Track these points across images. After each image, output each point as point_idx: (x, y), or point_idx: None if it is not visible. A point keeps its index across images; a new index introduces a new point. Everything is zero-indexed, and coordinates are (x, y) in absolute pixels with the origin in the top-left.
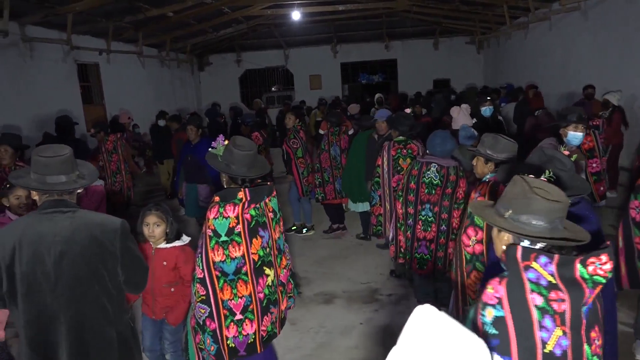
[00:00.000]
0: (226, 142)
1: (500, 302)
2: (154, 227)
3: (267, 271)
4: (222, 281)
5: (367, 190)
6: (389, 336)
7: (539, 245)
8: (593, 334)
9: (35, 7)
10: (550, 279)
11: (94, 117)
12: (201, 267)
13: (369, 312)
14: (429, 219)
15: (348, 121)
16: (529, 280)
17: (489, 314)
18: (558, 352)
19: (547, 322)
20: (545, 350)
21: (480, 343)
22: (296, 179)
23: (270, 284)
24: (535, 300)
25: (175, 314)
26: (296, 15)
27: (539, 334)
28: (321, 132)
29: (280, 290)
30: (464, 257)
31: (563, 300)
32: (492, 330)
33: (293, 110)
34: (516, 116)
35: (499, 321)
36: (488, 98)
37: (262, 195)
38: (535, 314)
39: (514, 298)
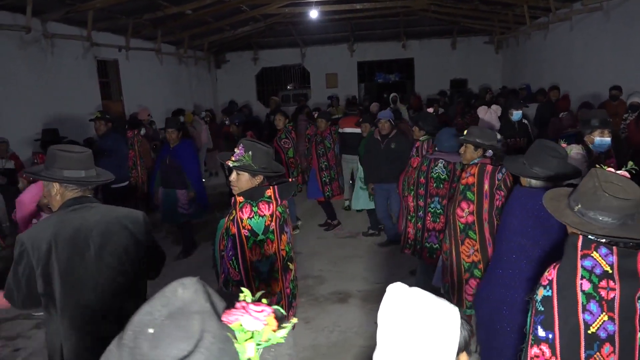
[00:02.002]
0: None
1: (550, 284)
2: None
3: (291, 266)
4: (257, 281)
5: (369, 191)
6: None
7: (604, 239)
8: None
9: (56, 4)
10: (607, 268)
11: (113, 113)
12: (237, 269)
13: None
14: (438, 211)
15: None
16: (583, 267)
17: (540, 293)
18: (603, 334)
19: (592, 306)
20: (589, 332)
21: (452, 309)
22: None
23: (292, 278)
24: (584, 285)
25: None
26: (314, 13)
27: (582, 316)
28: (339, 130)
29: (297, 284)
30: (458, 227)
31: (613, 289)
32: (540, 307)
33: (282, 112)
34: (537, 118)
35: (546, 300)
36: (521, 101)
37: (290, 191)
38: (580, 297)
39: (562, 282)
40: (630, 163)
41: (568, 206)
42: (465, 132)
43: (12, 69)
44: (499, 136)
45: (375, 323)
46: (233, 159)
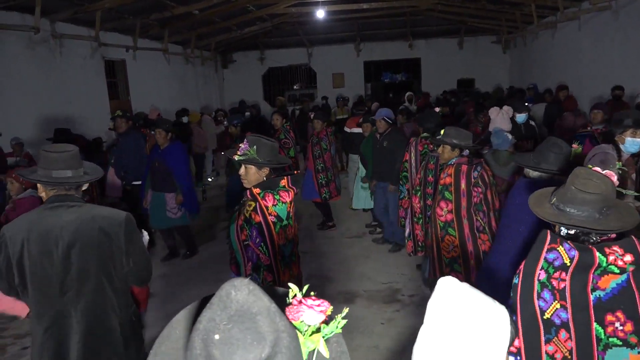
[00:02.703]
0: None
1: (518, 274)
2: None
3: (298, 252)
4: (282, 265)
5: (370, 189)
6: (410, 337)
7: (573, 231)
8: (610, 317)
9: (65, 4)
10: (567, 261)
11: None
12: (267, 255)
13: (390, 312)
14: None
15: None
16: (545, 259)
17: (512, 282)
18: (557, 321)
19: (546, 294)
20: (544, 317)
21: (501, 308)
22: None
23: (299, 264)
24: (541, 275)
25: None
26: (320, 13)
27: (537, 302)
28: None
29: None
30: (438, 225)
31: (563, 280)
32: (511, 293)
33: (279, 112)
34: (545, 118)
35: (514, 287)
36: (526, 104)
37: (298, 182)
38: (536, 286)
39: (526, 271)
40: (619, 164)
41: (549, 200)
42: (442, 132)
43: (21, 69)
44: (510, 137)
45: (382, 323)
46: (239, 153)
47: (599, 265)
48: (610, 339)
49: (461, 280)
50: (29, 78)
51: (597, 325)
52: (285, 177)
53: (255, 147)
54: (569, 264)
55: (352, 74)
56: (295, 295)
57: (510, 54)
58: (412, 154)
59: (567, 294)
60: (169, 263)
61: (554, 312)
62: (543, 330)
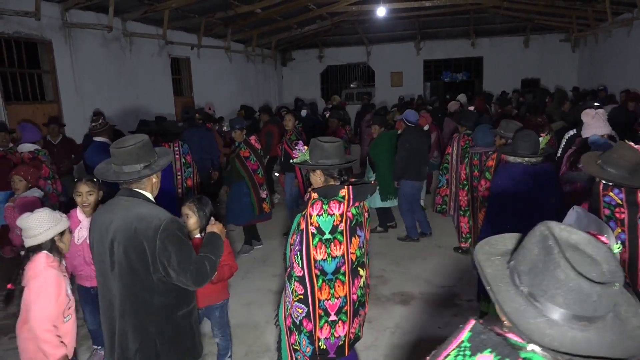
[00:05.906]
0: (305, 147)
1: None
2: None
3: (361, 272)
4: (320, 280)
5: (394, 188)
6: None
7: (611, 184)
8: None
9: (135, 4)
10: (619, 201)
11: (184, 108)
12: (300, 265)
13: (447, 317)
14: None
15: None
16: (604, 201)
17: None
18: (618, 241)
19: (611, 224)
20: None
21: (609, 229)
22: (300, 182)
23: (362, 285)
24: (605, 212)
25: None
26: (381, 11)
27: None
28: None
29: (367, 292)
30: (478, 199)
31: (623, 213)
32: None
33: (292, 113)
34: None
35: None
36: (596, 104)
37: (366, 194)
38: (604, 219)
39: (592, 210)
40: None
41: (596, 162)
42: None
43: (96, 65)
44: (612, 143)
45: (439, 327)
46: (294, 156)
47: None
48: None
49: None
50: (103, 73)
51: None
52: (346, 187)
53: (309, 149)
54: (621, 203)
55: (411, 73)
56: None
57: (580, 53)
58: (455, 148)
59: (626, 222)
60: None
61: (616, 235)
62: None
